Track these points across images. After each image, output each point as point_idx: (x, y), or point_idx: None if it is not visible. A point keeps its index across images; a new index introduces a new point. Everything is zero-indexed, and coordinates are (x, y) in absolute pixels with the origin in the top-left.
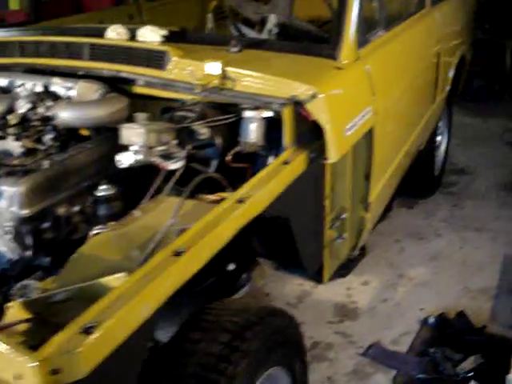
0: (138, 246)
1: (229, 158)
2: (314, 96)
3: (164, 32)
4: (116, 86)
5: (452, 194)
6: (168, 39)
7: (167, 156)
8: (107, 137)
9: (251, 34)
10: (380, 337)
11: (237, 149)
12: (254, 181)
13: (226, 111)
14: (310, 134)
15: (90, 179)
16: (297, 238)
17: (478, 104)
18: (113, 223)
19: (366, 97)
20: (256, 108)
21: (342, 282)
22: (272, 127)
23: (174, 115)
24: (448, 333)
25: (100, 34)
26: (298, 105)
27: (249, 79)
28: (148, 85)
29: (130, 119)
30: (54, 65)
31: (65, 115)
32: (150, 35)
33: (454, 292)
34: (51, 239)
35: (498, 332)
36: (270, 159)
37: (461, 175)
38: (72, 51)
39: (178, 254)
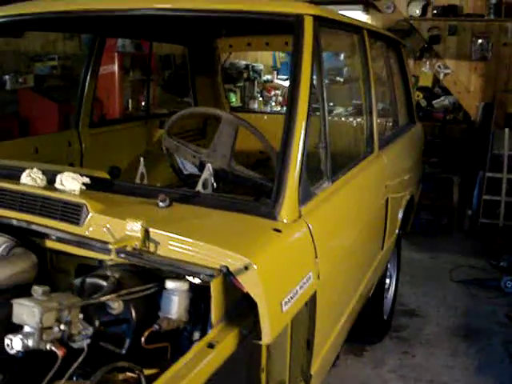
0: None
1: (143, 340)
2: (247, 267)
3: (86, 180)
4: (26, 238)
5: (402, 339)
6: (90, 187)
7: (69, 336)
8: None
9: (194, 170)
10: None
11: (152, 329)
12: (167, 375)
13: (147, 276)
14: (243, 304)
15: None
16: None
17: (425, 238)
18: None
19: (307, 261)
20: (180, 277)
21: None
22: (197, 296)
23: (84, 281)
24: None
25: (16, 175)
26: (229, 275)
27: (174, 243)
28: (61, 240)
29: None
30: None
31: None
32: (70, 183)
33: None
34: None
35: None
36: (196, 335)
37: (411, 317)
38: None
39: None
